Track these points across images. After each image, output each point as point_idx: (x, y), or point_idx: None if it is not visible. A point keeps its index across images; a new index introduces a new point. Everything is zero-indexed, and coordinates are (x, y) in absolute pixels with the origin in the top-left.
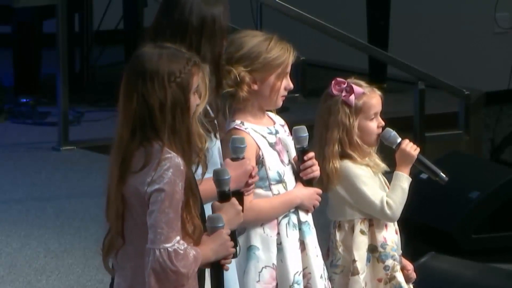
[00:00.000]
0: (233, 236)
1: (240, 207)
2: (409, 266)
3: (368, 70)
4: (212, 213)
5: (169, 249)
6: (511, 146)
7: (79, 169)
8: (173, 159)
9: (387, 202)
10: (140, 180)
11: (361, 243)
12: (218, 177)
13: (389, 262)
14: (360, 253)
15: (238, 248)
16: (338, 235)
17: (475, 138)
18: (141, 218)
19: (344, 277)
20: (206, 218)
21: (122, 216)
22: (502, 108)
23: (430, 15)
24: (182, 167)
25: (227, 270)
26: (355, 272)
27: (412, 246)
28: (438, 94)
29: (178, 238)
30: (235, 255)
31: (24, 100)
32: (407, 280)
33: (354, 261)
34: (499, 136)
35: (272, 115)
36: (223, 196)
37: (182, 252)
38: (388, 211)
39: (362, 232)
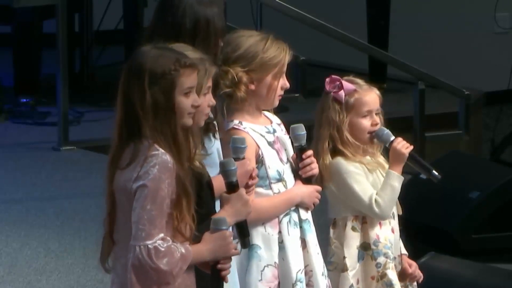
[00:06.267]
0: (244, 226)
1: (248, 197)
2: (412, 265)
3: (368, 70)
4: (221, 204)
5: (149, 246)
6: (511, 146)
7: (79, 169)
8: (160, 156)
9: (375, 200)
10: (127, 176)
11: (351, 240)
12: (225, 168)
13: (381, 259)
14: (350, 250)
15: (248, 238)
16: (332, 232)
17: (475, 138)
18: (130, 215)
19: (337, 274)
20: (211, 219)
21: (110, 215)
22: (502, 108)
23: (430, 15)
24: (170, 164)
25: (226, 281)
26: (345, 269)
27: (412, 246)
28: (438, 94)
29: (161, 235)
30: (245, 246)
31: (24, 100)
32: (411, 279)
33: (344, 257)
34: (499, 136)
35: (269, 114)
36: (231, 187)
37: (163, 249)
38: (376, 209)
39: (353, 229)
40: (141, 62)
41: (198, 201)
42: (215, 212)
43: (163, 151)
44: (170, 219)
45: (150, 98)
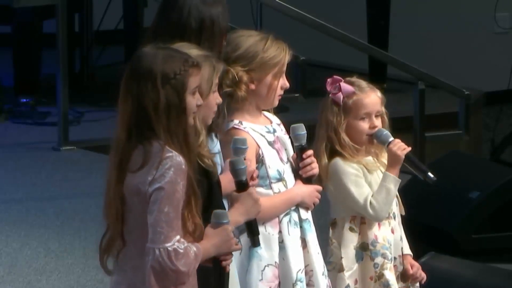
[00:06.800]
0: (253, 225)
1: (258, 196)
2: (414, 266)
3: (368, 70)
4: (230, 203)
5: (169, 248)
6: (511, 146)
7: (79, 169)
8: (175, 158)
9: (370, 202)
10: (141, 179)
11: (348, 240)
12: (234, 167)
13: (378, 259)
14: (347, 250)
15: (258, 237)
16: (331, 232)
17: (475, 138)
18: (143, 217)
19: (335, 274)
20: (212, 213)
21: (122, 217)
22: (502, 108)
23: (430, 15)
24: (183, 166)
25: (227, 271)
26: (341, 269)
27: (412, 246)
28: (438, 94)
29: (178, 237)
30: (256, 245)
31: (24, 100)
32: (412, 280)
33: (341, 258)
34: (499, 136)
35: (268, 114)
36: (240, 186)
37: (182, 251)
38: (370, 211)
39: (351, 229)
40: (151, 64)
41: (208, 200)
42: (224, 210)
43: (176, 153)
44: (181, 219)
45: (165, 99)
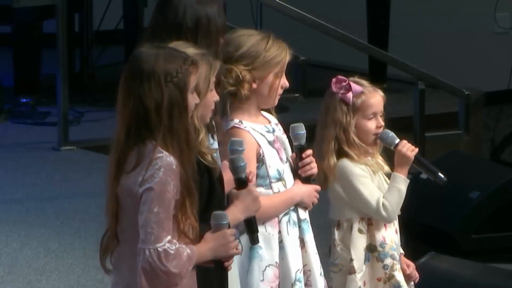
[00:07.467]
0: (253, 222)
1: (257, 194)
2: (410, 265)
3: (368, 70)
4: (229, 201)
5: (159, 249)
6: (511, 146)
7: (79, 169)
8: (165, 159)
9: (383, 204)
10: (133, 180)
11: (358, 242)
12: (234, 165)
13: (388, 261)
14: (357, 252)
15: (257, 235)
16: (337, 234)
17: (475, 138)
18: (136, 218)
19: (342, 276)
20: (212, 215)
21: (116, 216)
22: (502, 108)
23: (430, 15)
24: (174, 167)
25: (229, 270)
26: (352, 271)
27: (412, 246)
28: (438, 94)
29: (169, 237)
30: (255, 242)
31: (24, 100)
32: (408, 279)
33: (351, 260)
34: (499, 136)
35: (266, 114)
36: (240, 183)
37: (173, 252)
38: (383, 213)
39: (360, 231)
40: (153, 64)
41: (209, 198)
42: (225, 207)
43: (167, 153)
44: (175, 220)
45: (168, 98)
